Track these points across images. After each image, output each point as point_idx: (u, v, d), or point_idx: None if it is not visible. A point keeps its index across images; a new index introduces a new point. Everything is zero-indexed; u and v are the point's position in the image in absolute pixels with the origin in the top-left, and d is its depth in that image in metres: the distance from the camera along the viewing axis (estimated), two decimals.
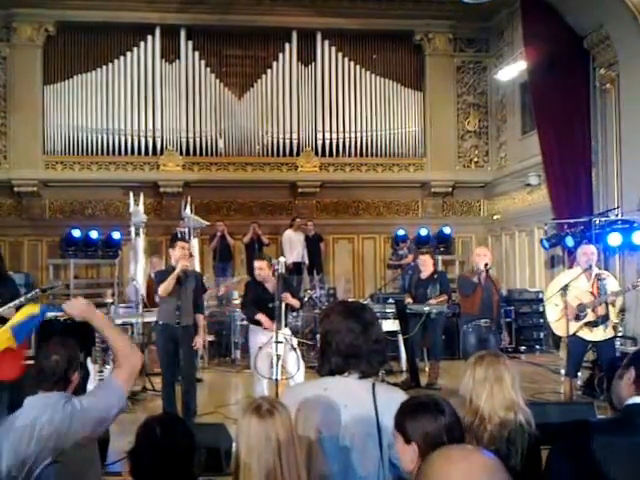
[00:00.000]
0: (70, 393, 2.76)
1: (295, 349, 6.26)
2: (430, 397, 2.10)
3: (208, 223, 10.65)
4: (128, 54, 12.83)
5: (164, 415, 2.52)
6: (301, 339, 8.74)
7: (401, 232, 12.44)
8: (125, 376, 2.70)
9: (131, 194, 10.11)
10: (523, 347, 10.38)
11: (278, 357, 5.82)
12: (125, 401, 2.74)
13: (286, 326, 6.42)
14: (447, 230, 12.67)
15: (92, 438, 2.69)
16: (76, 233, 11.79)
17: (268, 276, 6.42)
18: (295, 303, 6.47)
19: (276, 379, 5.80)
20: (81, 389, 2.89)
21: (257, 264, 6.54)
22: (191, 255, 8.02)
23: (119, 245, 11.95)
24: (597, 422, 2.18)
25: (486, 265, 6.74)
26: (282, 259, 6.31)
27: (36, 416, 2.57)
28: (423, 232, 12.32)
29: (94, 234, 11.85)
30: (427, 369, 8.13)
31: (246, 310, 6.80)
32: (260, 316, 6.29)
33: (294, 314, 9.22)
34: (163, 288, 6.20)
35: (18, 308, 5.78)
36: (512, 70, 11.47)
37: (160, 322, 6.36)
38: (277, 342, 5.80)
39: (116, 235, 11.85)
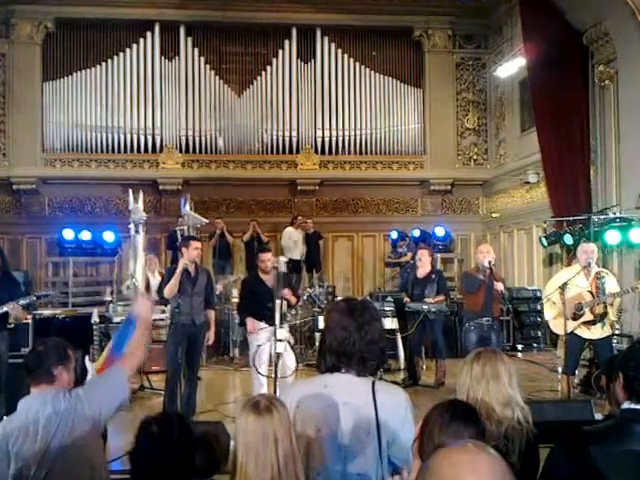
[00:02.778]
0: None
1: (292, 348, 6.27)
2: (465, 405, 2.14)
3: (207, 221, 10.63)
4: (127, 51, 12.82)
5: (163, 414, 2.53)
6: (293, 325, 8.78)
7: (394, 234, 12.40)
8: (129, 365, 2.90)
9: (130, 192, 10.10)
10: (521, 345, 10.38)
11: (278, 355, 5.82)
12: (128, 391, 2.77)
13: (283, 323, 6.42)
14: (440, 232, 12.58)
15: (96, 432, 2.69)
16: (68, 235, 11.74)
17: (271, 269, 6.44)
18: (293, 300, 6.49)
19: (275, 377, 5.80)
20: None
21: (263, 256, 6.56)
22: None
23: (117, 244, 11.92)
24: (593, 430, 2.17)
25: (490, 263, 6.74)
26: (282, 258, 6.30)
27: (37, 410, 2.58)
28: (416, 233, 12.21)
29: (86, 236, 11.78)
30: (433, 367, 8.07)
31: (240, 310, 6.85)
32: (249, 320, 6.36)
33: (292, 312, 9.23)
34: (168, 290, 6.20)
35: (25, 308, 5.81)
36: (511, 67, 11.44)
37: (173, 320, 6.34)
38: (279, 340, 5.80)
39: (108, 237, 11.79)
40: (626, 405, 2.10)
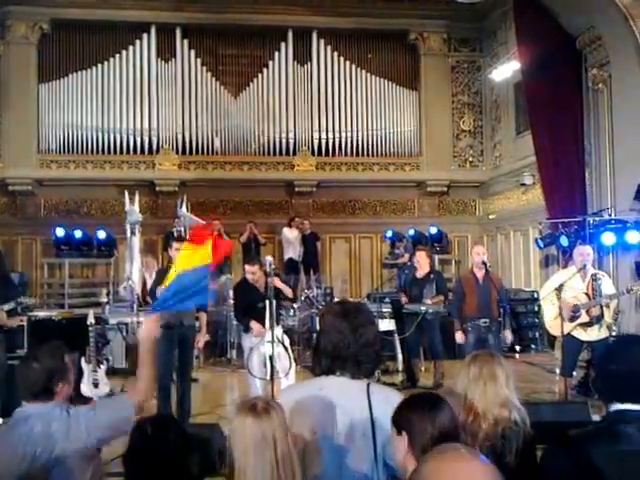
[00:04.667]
0: (62, 399, 2.67)
1: (286, 348, 6.23)
2: (429, 394, 2.14)
3: (204, 222, 10.62)
4: (124, 52, 12.82)
5: (157, 417, 2.49)
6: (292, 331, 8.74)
7: (389, 233, 12.43)
8: (137, 401, 2.72)
9: (126, 193, 10.09)
10: (518, 346, 10.37)
11: (271, 357, 5.79)
12: (132, 424, 2.67)
13: (278, 324, 6.39)
14: (433, 230, 12.65)
15: (86, 456, 2.58)
16: (60, 233, 11.79)
17: (260, 278, 6.41)
18: (285, 288, 6.42)
19: (271, 379, 5.78)
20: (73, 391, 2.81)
21: (249, 268, 6.49)
22: None
23: (112, 244, 11.91)
24: (582, 432, 2.18)
25: (484, 263, 6.76)
26: (269, 258, 6.25)
27: (29, 428, 2.50)
28: (411, 232, 12.27)
29: (78, 234, 11.84)
30: (431, 369, 8.06)
31: (238, 316, 6.82)
32: (253, 324, 6.29)
33: (290, 313, 9.22)
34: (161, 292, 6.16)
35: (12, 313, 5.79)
36: (506, 70, 11.50)
37: (161, 322, 6.31)
38: (270, 342, 5.77)
39: (101, 235, 11.82)
40: (613, 407, 2.11)
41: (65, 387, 2.65)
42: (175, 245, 6.39)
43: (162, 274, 6.36)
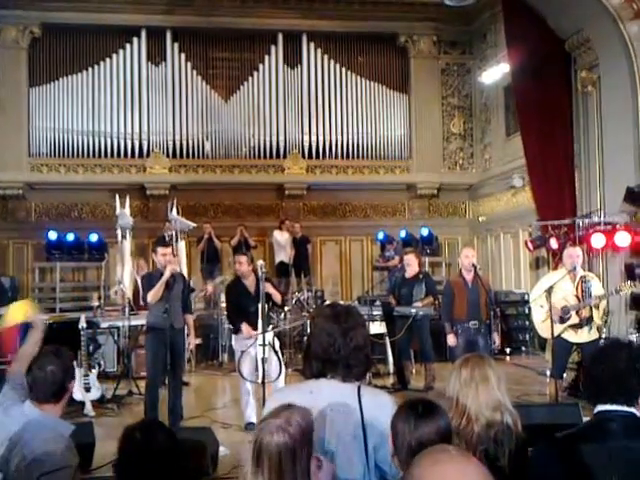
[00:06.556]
0: (66, 401, 2.79)
1: (277, 352, 6.22)
2: (425, 402, 2.14)
3: (195, 225, 10.62)
4: (114, 56, 12.81)
5: (145, 422, 2.46)
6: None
7: (380, 235, 12.46)
8: None
9: (117, 197, 10.07)
10: (509, 349, 10.41)
11: (263, 360, 5.78)
12: None
13: (269, 327, 6.38)
14: (424, 231, 12.70)
15: None
16: (52, 236, 11.79)
17: (247, 271, 6.40)
18: (276, 294, 6.41)
19: (262, 382, 5.78)
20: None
21: (237, 258, 6.59)
22: (175, 255, 7.97)
23: (103, 248, 11.88)
24: (570, 433, 2.23)
25: (474, 266, 6.79)
26: (261, 262, 6.26)
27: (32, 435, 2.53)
28: (402, 234, 12.35)
29: (70, 237, 11.84)
30: (422, 372, 8.05)
31: (230, 318, 6.82)
32: (243, 326, 6.27)
33: (281, 316, 9.22)
34: (152, 295, 6.13)
35: None
36: (495, 72, 11.55)
37: (151, 326, 6.30)
38: (262, 345, 5.77)
39: (93, 238, 11.80)
40: (600, 407, 2.15)
41: (72, 383, 2.82)
42: (160, 250, 6.36)
43: (150, 280, 6.34)
